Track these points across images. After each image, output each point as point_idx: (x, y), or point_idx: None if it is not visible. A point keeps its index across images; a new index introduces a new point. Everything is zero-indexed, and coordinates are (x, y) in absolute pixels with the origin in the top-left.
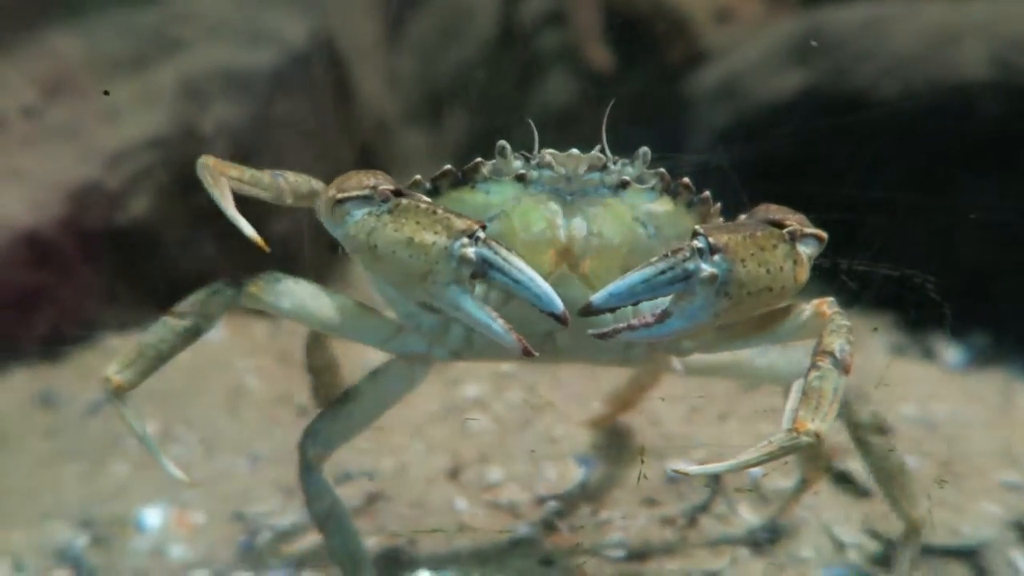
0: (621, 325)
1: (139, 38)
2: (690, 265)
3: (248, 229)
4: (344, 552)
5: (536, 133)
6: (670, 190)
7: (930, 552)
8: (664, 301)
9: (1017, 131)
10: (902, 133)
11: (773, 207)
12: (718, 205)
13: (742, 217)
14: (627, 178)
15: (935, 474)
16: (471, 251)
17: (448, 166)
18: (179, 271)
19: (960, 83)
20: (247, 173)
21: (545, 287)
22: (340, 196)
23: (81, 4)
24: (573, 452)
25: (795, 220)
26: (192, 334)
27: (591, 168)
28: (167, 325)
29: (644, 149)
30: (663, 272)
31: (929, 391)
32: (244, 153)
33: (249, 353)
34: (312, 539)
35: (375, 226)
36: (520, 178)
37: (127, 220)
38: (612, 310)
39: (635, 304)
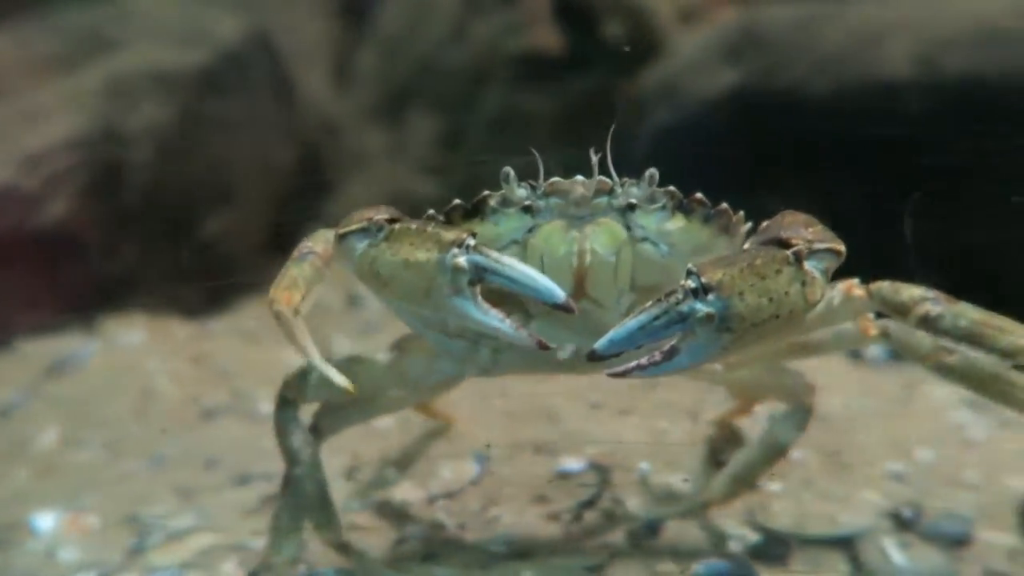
0: (632, 365)
1: (71, 38)
2: (684, 308)
3: (340, 379)
4: (315, 497)
5: (541, 163)
6: (683, 207)
7: (808, 542)
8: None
9: (937, 129)
10: (832, 130)
11: (788, 218)
12: (740, 214)
13: (762, 226)
14: (634, 200)
15: (821, 466)
16: (463, 259)
17: (457, 201)
18: (100, 274)
19: (885, 81)
20: (301, 282)
21: (544, 280)
22: (341, 232)
23: (15, 4)
24: (471, 450)
25: (807, 236)
26: None
27: (598, 192)
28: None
29: (652, 171)
30: (657, 318)
31: (831, 384)
32: (171, 152)
33: (166, 356)
34: (202, 541)
35: (376, 255)
36: (527, 208)
37: (45, 223)
38: (617, 355)
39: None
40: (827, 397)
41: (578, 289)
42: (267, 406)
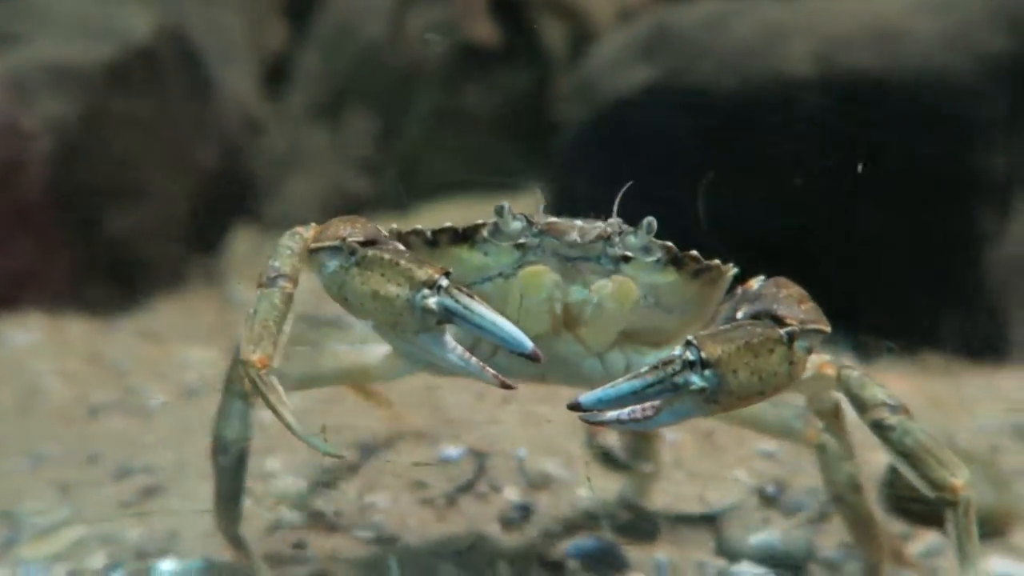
0: (610, 417)
1: None
2: (679, 380)
3: (325, 447)
4: (229, 485)
5: (543, 198)
6: (675, 261)
7: (677, 520)
8: None
9: (834, 124)
10: (740, 125)
11: (783, 293)
12: (730, 266)
13: (749, 286)
14: (630, 253)
15: (696, 447)
16: (432, 302)
17: (448, 223)
18: None
19: (787, 78)
20: (273, 325)
21: (511, 329)
22: (314, 246)
23: None
24: (356, 440)
25: (800, 314)
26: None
27: (596, 239)
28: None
29: (650, 219)
30: (652, 385)
31: None
32: (73, 149)
33: (58, 355)
34: (73, 534)
35: (344, 280)
36: (520, 246)
37: None
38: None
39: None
40: None
41: (556, 326)
42: (157, 401)
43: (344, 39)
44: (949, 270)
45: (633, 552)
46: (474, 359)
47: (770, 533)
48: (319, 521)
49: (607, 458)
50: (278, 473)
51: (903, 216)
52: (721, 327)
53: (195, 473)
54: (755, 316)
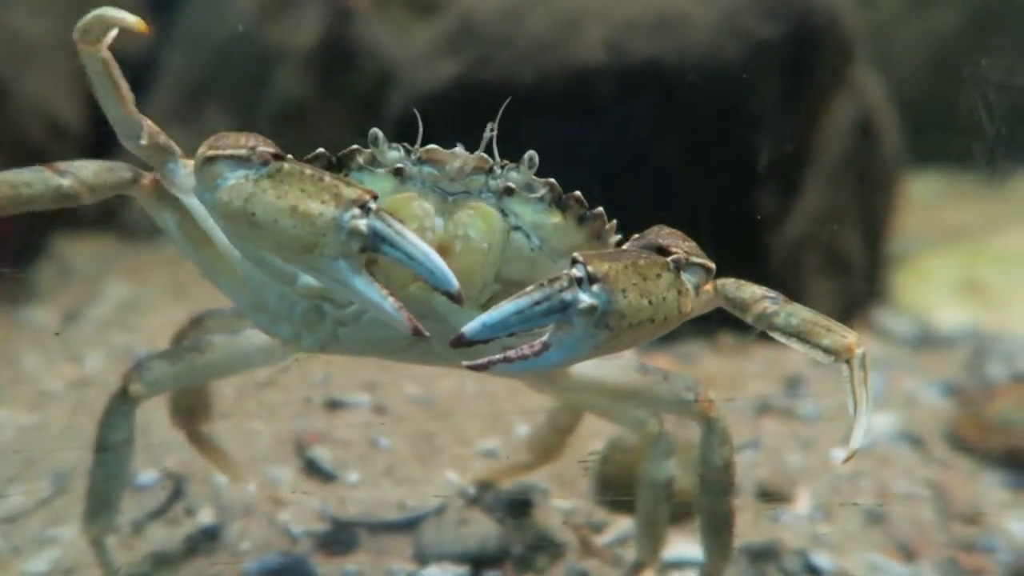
0: (497, 357)
1: None
2: (567, 296)
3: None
4: (102, 488)
5: (420, 123)
6: (559, 203)
7: (376, 529)
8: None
9: (626, 111)
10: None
11: (665, 231)
12: (614, 222)
13: (633, 237)
14: (512, 184)
15: (410, 451)
16: (362, 223)
17: (321, 149)
18: None
19: (581, 66)
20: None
21: (439, 263)
22: (212, 154)
23: None
24: (52, 470)
25: (684, 248)
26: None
27: (476, 170)
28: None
29: (531, 153)
30: (538, 303)
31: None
32: None
33: None
34: None
35: (253, 191)
36: (398, 172)
37: None
38: (485, 342)
39: (510, 335)
40: (437, 382)
41: None
42: None
43: (203, 37)
44: (736, 251)
45: (323, 565)
46: (391, 297)
47: (463, 533)
48: None
49: (313, 469)
50: None
51: (692, 198)
52: (608, 250)
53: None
54: (640, 248)
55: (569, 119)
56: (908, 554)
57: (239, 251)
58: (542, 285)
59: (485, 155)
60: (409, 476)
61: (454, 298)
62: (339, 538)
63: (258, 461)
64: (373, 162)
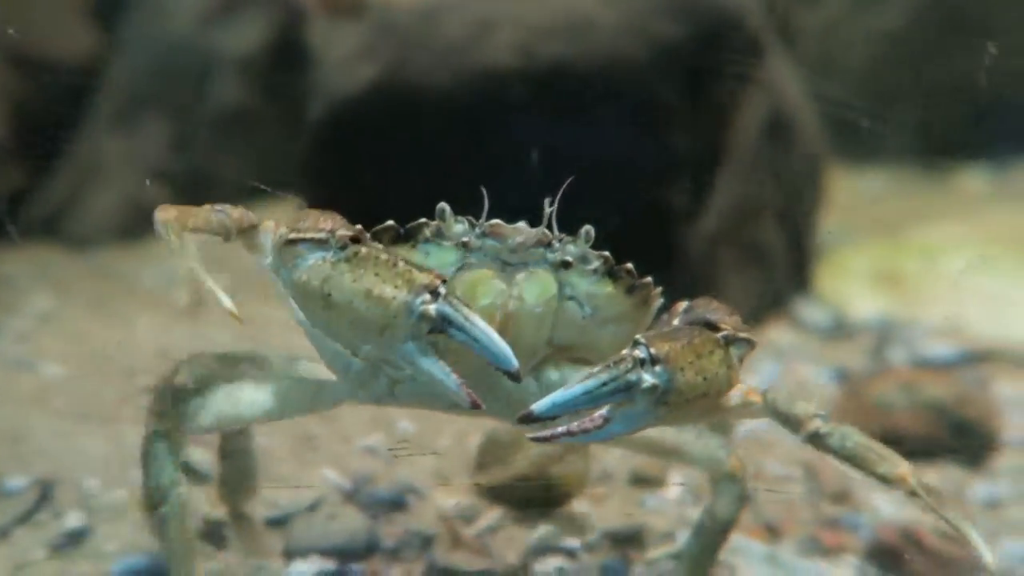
0: (560, 431)
1: None
2: (632, 377)
3: (227, 302)
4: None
5: (487, 199)
6: (612, 273)
7: (248, 527)
8: None
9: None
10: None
11: (713, 304)
12: (658, 290)
13: (679, 308)
14: (570, 258)
15: (290, 451)
16: (432, 308)
17: (391, 222)
18: None
19: (494, 70)
20: (202, 217)
21: (502, 346)
22: (293, 236)
23: None
24: None
25: (730, 323)
26: None
27: (537, 244)
28: None
29: (588, 227)
30: (605, 384)
31: None
32: None
33: None
34: None
35: (331, 274)
36: (463, 245)
37: None
38: (553, 418)
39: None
40: None
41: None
42: None
43: (145, 43)
44: (652, 247)
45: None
46: (454, 374)
47: (332, 528)
48: None
49: (187, 469)
50: None
51: (606, 198)
52: (664, 329)
53: None
54: (690, 324)
55: (485, 122)
56: (773, 533)
57: (309, 321)
58: (608, 367)
59: (546, 231)
60: (285, 475)
61: (513, 376)
62: (210, 537)
63: (129, 464)
64: (439, 234)
